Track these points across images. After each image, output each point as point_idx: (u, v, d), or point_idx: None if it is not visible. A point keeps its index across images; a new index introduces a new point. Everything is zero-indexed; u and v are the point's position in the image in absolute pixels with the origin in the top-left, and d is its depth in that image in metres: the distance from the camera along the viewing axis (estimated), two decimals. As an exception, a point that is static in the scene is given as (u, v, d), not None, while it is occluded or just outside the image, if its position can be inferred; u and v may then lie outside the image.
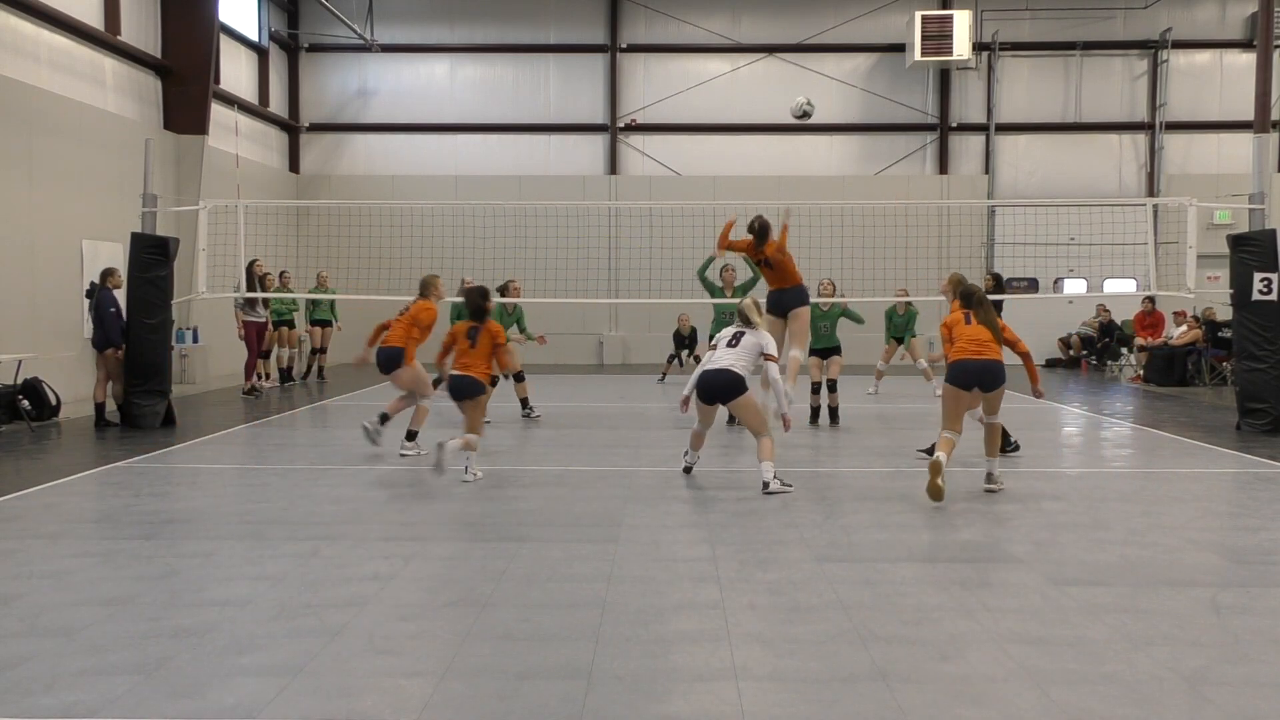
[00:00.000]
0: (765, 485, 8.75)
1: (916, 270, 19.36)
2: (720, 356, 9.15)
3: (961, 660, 4.83)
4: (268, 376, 17.94)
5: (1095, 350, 22.64)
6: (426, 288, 11.12)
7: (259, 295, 16.72)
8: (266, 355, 17.91)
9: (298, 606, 5.63)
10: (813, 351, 13.79)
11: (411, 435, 10.80)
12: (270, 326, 17.61)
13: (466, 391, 9.41)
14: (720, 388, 9.06)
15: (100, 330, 12.87)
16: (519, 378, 13.88)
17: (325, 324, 19.53)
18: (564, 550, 6.86)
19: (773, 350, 9.30)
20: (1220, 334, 18.64)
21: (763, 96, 24.50)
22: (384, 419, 10.98)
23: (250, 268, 17.24)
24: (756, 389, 9.73)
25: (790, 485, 8.87)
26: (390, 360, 10.76)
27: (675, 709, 4.31)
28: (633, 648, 4.99)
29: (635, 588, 5.99)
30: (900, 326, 16.95)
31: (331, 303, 19.12)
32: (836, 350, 13.93)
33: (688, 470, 9.69)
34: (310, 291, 19.01)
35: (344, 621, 5.35)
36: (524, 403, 13.95)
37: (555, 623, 5.35)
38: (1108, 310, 22.42)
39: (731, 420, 12.71)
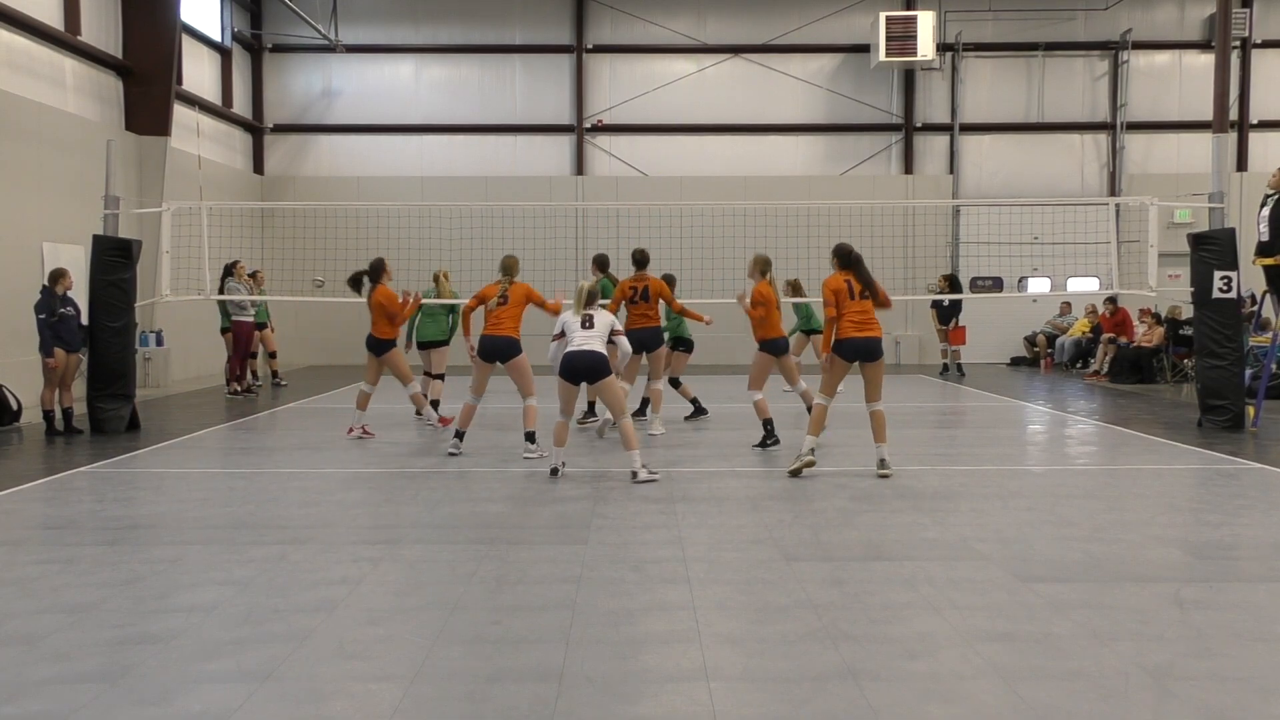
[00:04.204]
0: (634, 475, 9.25)
1: (883, 269, 19.37)
2: (580, 339, 9.60)
3: (930, 658, 4.86)
4: (256, 375, 17.96)
5: (1080, 352, 21.86)
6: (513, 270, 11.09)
7: (248, 298, 16.87)
8: (255, 355, 17.96)
9: (265, 611, 5.59)
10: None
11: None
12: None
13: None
14: (585, 368, 9.50)
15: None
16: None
17: (263, 326, 18.73)
18: (532, 552, 6.85)
19: (620, 326, 10.15)
20: (1181, 331, 18.84)
21: (729, 97, 24.58)
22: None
23: (233, 269, 17.21)
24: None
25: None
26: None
27: (646, 710, 4.31)
28: (603, 649, 4.99)
29: (605, 589, 5.98)
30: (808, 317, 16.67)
31: (265, 304, 18.75)
32: None
33: (555, 473, 9.59)
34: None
35: (312, 626, 5.31)
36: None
37: (525, 625, 5.34)
38: (1107, 310, 21.40)
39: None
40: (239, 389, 17.14)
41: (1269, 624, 5.38)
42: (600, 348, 9.58)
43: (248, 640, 5.13)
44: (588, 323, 9.67)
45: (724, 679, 4.63)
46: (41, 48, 16.27)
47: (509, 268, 11.02)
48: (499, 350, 10.71)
